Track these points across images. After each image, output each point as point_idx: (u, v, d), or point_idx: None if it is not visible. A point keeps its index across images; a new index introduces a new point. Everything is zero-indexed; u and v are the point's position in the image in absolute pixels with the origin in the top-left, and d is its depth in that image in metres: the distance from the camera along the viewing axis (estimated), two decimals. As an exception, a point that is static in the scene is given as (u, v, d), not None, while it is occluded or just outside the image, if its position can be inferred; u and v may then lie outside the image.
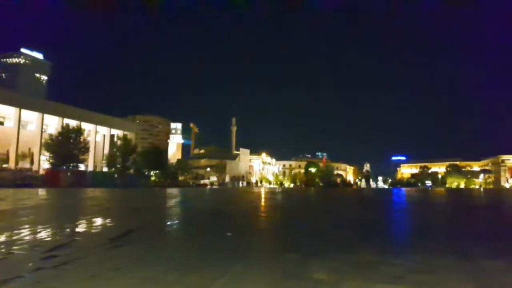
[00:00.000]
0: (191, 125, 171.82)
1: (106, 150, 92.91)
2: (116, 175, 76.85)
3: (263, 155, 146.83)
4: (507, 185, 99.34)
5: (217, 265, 4.58)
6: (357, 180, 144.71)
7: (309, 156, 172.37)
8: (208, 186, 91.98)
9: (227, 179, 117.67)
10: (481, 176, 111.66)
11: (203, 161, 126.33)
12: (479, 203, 21.66)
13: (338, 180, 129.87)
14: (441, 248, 5.94)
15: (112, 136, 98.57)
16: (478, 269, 4.49)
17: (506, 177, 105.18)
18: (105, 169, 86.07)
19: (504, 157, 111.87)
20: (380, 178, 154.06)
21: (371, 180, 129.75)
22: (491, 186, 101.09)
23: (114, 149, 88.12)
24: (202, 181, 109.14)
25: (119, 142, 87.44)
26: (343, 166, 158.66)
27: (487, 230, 8.65)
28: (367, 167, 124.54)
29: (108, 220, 9.93)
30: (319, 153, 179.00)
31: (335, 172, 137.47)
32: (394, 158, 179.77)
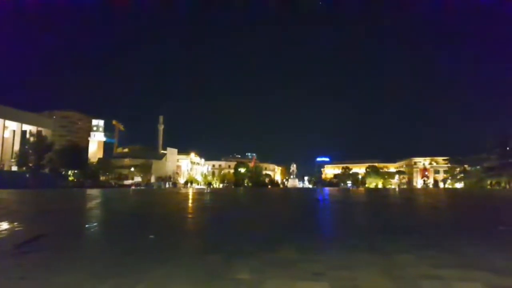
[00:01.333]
0: (114, 122, 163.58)
1: (17, 148, 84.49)
2: (27, 175, 70.31)
3: (192, 155, 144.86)
4: (418, 185, 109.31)
5: (137, 269, 4.40)
6: (284, 180, 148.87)
7: (239, 156, 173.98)
8: (132, 187, 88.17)
9: (153, 179, 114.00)
10: (397, 176, 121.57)
11: (127, 161, 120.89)
12: (394, 201, 23.58)
13: (267, 180, 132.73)
14: (360, 244, 6.35)
15: (23, 132, 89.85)
16: (392, 263, 4.88)
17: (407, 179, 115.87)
18: (14, 168, 78.28)
19: (416, 159, 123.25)
20: (306, 178, 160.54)
21: (297, 180, 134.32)
22: (405, 186, 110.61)
23: (26, 147, 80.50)
24: (125, 182, 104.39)
25: (32, 139, 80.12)
26: (271, 166, 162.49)
27: (400, 226, 9.45)
28: (293, 167, 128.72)
29: (15, 224, 9.05)
30: (249, 154, 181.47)
31: (264, 172, 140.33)
32: (318, 159, 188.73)
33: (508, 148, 69.73)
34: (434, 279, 4.07)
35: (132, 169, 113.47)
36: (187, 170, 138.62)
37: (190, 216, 12.68)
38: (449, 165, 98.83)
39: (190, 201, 22.27)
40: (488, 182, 73.20)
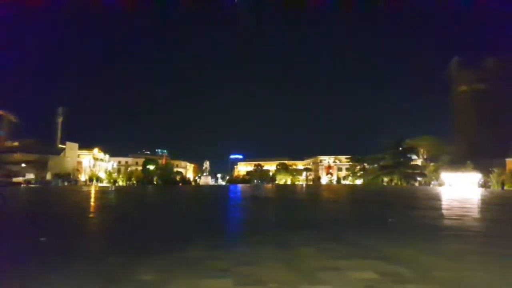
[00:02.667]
0: (1, 112, 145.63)
1: None
2: None
3: (95, 150, 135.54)
4: (323, 182, 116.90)
5: (23, 276, 4.01)
6: (196, 178, 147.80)
7: (148, 153, 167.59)
8: (23, 185, 79.56)
9: (49, 176, 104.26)
10: (304, 173, 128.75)
11: (17, 156, 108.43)
12: (300, 197, 24.84)
13: (178, 177, 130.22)
14: (266, 239, 6.60)
15: None
16: (295, 256, 5.16)
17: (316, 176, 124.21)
18: None
19: (322, 157, 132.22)
20: (219, 175, 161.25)
21: (210, 177, 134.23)
22: (311, 182, 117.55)
23: None
24: (14, 179, 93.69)
25: None
26: (183, 163, 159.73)
27: (305, 220, 10.01)
28: (206, 164, 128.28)
29: None
30: (159, 150, 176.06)
31: (175, 169, 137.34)
32: (232, 156, 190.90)
33: (400, 149, 78.22)
34: (332, 270, 4.41)
35: (24, 165, 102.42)
36: (90, 167, 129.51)
37: (89, 216, 11.90)
38: (350, 163, 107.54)
39: (91, 199, 20.85)
40: (383, 179, 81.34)
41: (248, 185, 70.36)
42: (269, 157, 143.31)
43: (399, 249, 5.81)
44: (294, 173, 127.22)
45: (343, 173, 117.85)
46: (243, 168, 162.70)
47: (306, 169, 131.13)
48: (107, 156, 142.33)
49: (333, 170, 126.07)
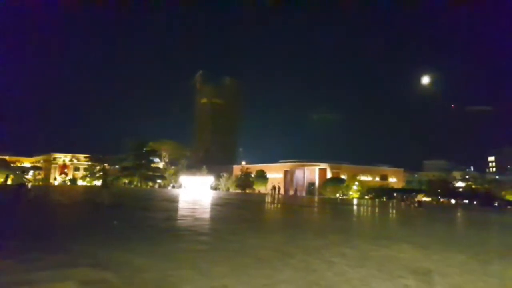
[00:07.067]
0: None
1: None
2: None
3: None
4: (56, 182, 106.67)
5: None
6: None
7: None
8: None
9: None
10: (31, 172, 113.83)
11: None
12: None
13: None
14: None
15: None
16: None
17: (55, 175, 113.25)
18: None
19: (56, 155, 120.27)
20: None
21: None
22: (41, 183, 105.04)
23: None
24: None
25: None
26: None
27: (12, 228, 8.64)
28: None
29: None
30: None
31: None
32: None
33: (143, 151, 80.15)
34: (25, 285, 3.88)
35: None
36: None
37: None
38: (90, 162, 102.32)
39: None
40: (124, 180, 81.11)
41: None
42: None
43: (113, 253, 5.75)
44: (17, 172, 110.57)
45: (81, 173, 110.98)
46: None
47: (35, 167, 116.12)
48: None
49: (69, 170, 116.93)
